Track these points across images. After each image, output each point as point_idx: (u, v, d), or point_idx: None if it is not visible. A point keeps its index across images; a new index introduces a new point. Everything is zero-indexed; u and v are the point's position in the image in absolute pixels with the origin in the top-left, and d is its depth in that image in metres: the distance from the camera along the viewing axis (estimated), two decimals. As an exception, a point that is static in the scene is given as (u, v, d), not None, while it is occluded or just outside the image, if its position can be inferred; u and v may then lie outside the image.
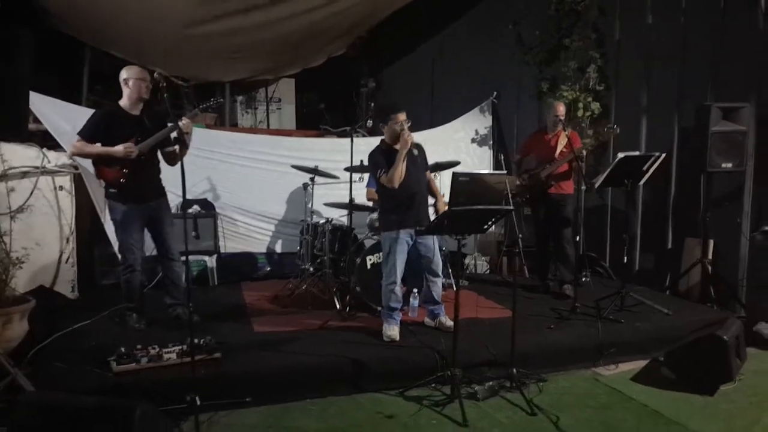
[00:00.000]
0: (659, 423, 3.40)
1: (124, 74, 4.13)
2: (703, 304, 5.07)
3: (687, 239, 5.56)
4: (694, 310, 4.93)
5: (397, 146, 4.18)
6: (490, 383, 3.78)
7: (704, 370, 3.85)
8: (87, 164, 5.13)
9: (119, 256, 4.35)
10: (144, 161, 4.12)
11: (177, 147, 4.19)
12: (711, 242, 5.26)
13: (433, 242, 4.34)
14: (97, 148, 4.10)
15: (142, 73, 4.13)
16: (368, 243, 4.96)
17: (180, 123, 3.93)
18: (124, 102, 4.16)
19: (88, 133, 4.10)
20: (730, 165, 4.98)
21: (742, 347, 4.13)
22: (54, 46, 6.30)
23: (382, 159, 4.25)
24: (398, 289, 4.28)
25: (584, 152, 4.98)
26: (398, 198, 4.21)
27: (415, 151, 4.22)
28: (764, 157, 5.03)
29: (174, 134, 4.08)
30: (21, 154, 4.87)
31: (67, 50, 7.03)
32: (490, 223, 3.72)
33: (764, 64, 4.94)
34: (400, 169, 4.11)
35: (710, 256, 5.24)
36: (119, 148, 4.02)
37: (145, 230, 4.36)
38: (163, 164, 4.39)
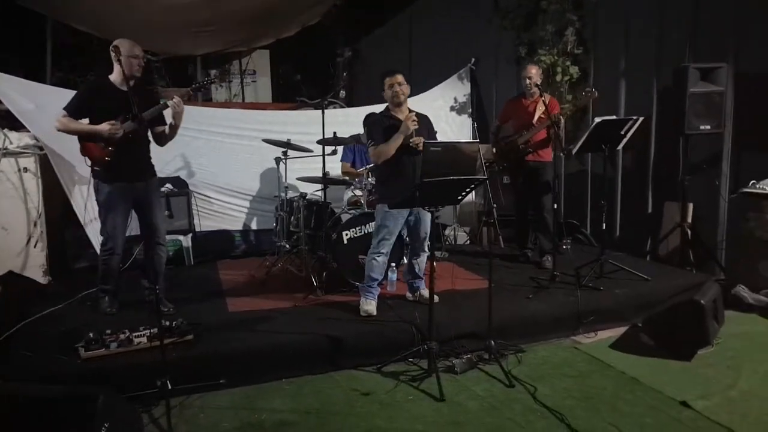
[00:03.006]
0: (637, 390, 3.39)
1: (114, 49, 3.89)
2: (682, 269, 5.07)
3: (666, 203, 5.52)
4: (674, 274, 4.92)
5: (397, 113, 4.05)
6: (468, 356, 3.74)
7: (682, 335, 3.84)
8: (54, 145, 5.02)
9: (100, 238, 4.18)
10: (131, 139, 3.91)
11: (167, 127, 4.10)
12: (690, 205, 5.22)
13: (428, 217, 4.21)
14: (83, 125, 3.90)
15: (135, 49, 3.90)
16: (345, 218, 4.87)
17: (171, 102, 3.88)
18: (114, 76, 3.94)
19: (73, 108, 3.89)
20: (708, 127, 4.92)
21: (720, 311, 4.11)
22: (12, 20, 6.07)
23: (379, 128, 4.08)
24: (381, 260, 4.16)
25: (561, 118, 4.87)
26: (395, 172, 4.06)
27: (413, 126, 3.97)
28: (742, 117, 4.97)
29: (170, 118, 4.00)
30: (-20, 137, 4.71)
31: (28, 25, 6.77)
32: (464, 193, 3.64)
33: (741, 24, 4.85)
34: (387, 151, 3.96)
35: (689, 220, 5.21)
36: (104, 127, 3.83)
37: (132, 212, 4.18)
38: None
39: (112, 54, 3.83)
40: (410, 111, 4.13)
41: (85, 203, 5.14)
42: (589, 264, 4.81)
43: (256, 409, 3.20)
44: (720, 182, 5.09)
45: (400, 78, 4.07)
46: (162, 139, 4.18)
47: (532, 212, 5.40)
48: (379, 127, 4.10)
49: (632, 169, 5.89)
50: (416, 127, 3.93)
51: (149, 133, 4.14)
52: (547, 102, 4.81)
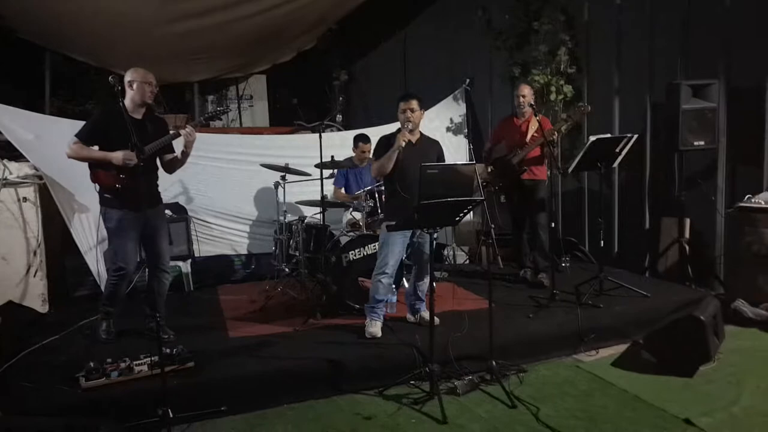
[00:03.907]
0: (639, 408, 3.38)
1: (128, 76, 3.93)
2: (681, 284, 5.07)
3: (663, 219, 5.54)
4: (673, 290, 4.92)
5: (408, 137, 4.11)
6: (470, 377, 3.73)
7: (683, 352, 3.83)
8: (54, 174, 5.04)
9: (102, 263, 4.13)
10: (142, 167, 3.83)
11: (178, 154, 4.13)
12: (687, 221, 5.25)
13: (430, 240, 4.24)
14: (95, 152, 3.90)
15: (147, 77, 3.94)
16: (344, 240, 4.89)
17: (184, 131, 3.91)
18: (127, 104, 3.90)
19: (85, 135, 3.89)
20: (702, 143, 4.98)
21: (720, 326, 4.12)
22: (11, 51, 6.13)
23: (382, 145, 4.18)
24: (386, 281, 4.16)
25: (555, 136, 4.91)
26: (397, 192, 4.09)
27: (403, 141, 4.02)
28: (736, 133, 5.02)
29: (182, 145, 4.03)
30: (-21, 168, 4.73)
31: (27, 55, 6.84)
32: (461, 214, 3.66)
33: (731, 41, 4.92)
34: (384, 164, 4.05)
35: (687, 235, 5.23)
36: (118, 155, 3.82)
37: None
38: None
39: (126, 81, 3.88)
40: (422, 135, 4.23)
41: (84, 231, 5.16)
42: (588, 281, 4.82)
43: (258, 436, 3.19)
44: (716, 197, 5.13)
45: (413, 104, 4.08)
46: (171, 167, 4.20)
47: (528, 230, 5.41)
48: (383, 143, 4.18)
49: (628, 185, 5.93)
50: (405, 140, 3.97)
51: (158, 161, 4.17)
52: (540, 121, 4.86)
